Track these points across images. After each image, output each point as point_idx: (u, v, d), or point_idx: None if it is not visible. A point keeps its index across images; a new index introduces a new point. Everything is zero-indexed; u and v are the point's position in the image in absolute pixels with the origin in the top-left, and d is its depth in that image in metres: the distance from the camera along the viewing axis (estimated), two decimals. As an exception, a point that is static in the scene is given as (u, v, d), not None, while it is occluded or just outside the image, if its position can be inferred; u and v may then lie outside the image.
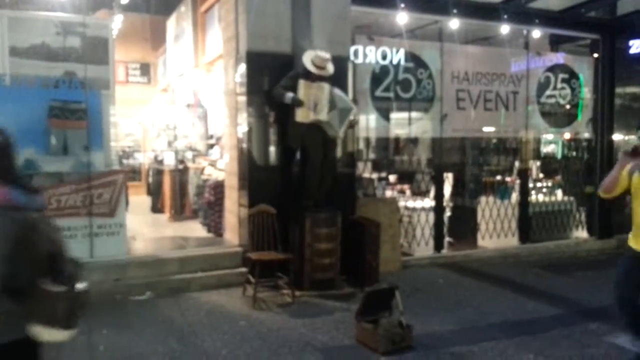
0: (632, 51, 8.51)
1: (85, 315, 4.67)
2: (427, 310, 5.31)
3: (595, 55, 8.72)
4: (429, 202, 7.61)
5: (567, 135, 8.96)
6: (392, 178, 8.18)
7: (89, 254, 5.62)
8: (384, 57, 7.17)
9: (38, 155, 5.50)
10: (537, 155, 9.11)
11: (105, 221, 5.73)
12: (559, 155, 9.73)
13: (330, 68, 5.88)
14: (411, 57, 7.34)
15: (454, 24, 7.42)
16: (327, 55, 5.83)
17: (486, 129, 8.12)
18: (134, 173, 12.51)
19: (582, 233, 8.76)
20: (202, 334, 4.56)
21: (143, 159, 12.68)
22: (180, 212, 8.70)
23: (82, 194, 5.63)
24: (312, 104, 5.74)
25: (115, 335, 4.51)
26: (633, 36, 8.47)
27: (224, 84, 6.92)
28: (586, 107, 8.75)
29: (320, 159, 5.94)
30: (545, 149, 9.88)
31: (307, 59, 5.79)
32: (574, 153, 9.31)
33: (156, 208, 9.53)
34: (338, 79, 6.07)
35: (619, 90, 9.00)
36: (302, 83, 5.75)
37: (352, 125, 6.17)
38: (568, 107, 8.66)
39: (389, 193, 7.84)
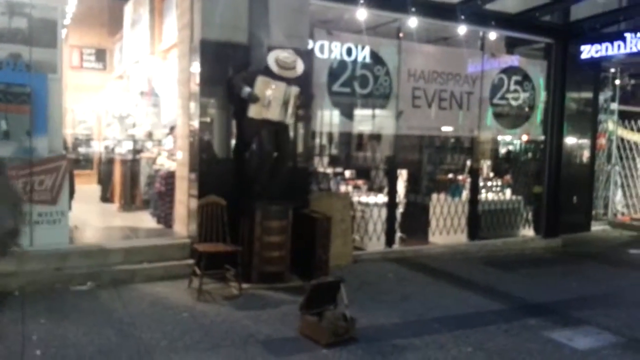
0: (582, 56, 8.77)
1: (21, 304, 4.57)
2: (374, 304, 5.36)
3: (548, 59, 8.95)
4: (382, 197, 7.67)
5: (524, 137, 9.20)
6: (347, 173, 8.20)
7: (28, 242, 5.41)
8: (343, 53, 7.18)
9: (-23, 139, 5.28)
10: (491, 155, 9.32)
11: (46, 209, 5.54)
12: (504, 156, 9.97)
13: (299, 69, 5.87)
14: (369, 53, 7.37)
15: (412, 22, 7.49)
16: (292, 57, 5.82)
17: (441, 127, 8.25)
18: (86, 161, 12.16)
19: (529, 231, 9.00)
20: (142, 326, 4.46)
21: (96, 147, 12.35)
22: (130, 202, 8.51)
23: (22, 180, 5.42)
24: (267, 101, 5.71)
25: (51, 325, 4.36)
26: (584, 42, 8.73)
27: (178, 73, 6.78)
28: (538, 110, 8.98)
29: (271, 152, 5.90)
30: (503, 150, 10.11)
31: (272, 58, 5.78)
32: (527, 154, 9.56)
33: (106, 197, 9.29)
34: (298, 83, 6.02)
35: (574, 95, 9.27)
36: (260, 79, 5.71)
37: (299, 107, 6.11)
38: (520, 109, 8.88)
39: (343, 188, 7.86)
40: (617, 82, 10.84)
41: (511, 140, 9.87)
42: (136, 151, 8.81)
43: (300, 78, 6.08)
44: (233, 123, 6.14)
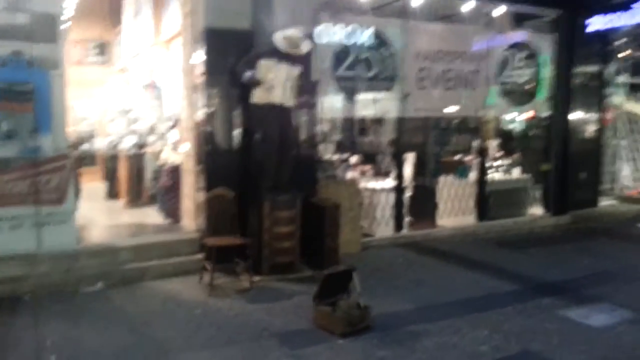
0: (590, 29, 8.57)
1: (33, 309, 4.57)
2: (387, 291, 5.34)
3: (556, 33, 8.76)
4: (389, 182, 7.61)
5: (521, 115, 9.06)
6: (353, 159, 8.13)
7: (36, 244, 5.37)
8: (347, 35, 7.04)
9: (-19, 139, 5.23)
10: (497, 133, 9.21)
11: (53, 209, 5.47)
12: (513, 134, 9.85)
13: (305, 47, 5.79)
14: (374, 35, 7.23)
15: (416, 0, 7.31)
16: (299, 34, 5.72)
17: (447, 108, 8.12)
18: (90, 158, 12.12)
19: (537, 209, 8.92)
20: (156, 325, 4.45)
21: (99, 143, 12.29)
22: (136, 198, 8.46)
23: (28, 180, 5.37)
24: (270, 84, 5.63)
25: (64, 329, 4.35)
26: (593, 13, 8.50)
27: (182, 63, 6.69)
28: (545, 86, 8.83)
29: (277, 141, 5.83)
30: (500, 128, 9.99)
31: (279, 36, 5.69)
32: (534, 131, 9.44)
33: (112, 194, 9.26)
34: (302, 59, 5.92)
35: (581, 69, 9.10)
36: (262, 63, 5.64)
37: (300, 86, 6.01)
38: (528, 85, 8.73)
39: (350, 175, 7.80)
40: (624, 54, 10.63)
41: (513, 119, 9.75)
42: (140, 146, 8.75)
43: (304, 62, 6.00)
44: (238, 112, 6.06)
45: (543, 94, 8.84)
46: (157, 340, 4.16)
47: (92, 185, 9.85)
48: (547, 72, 8.82)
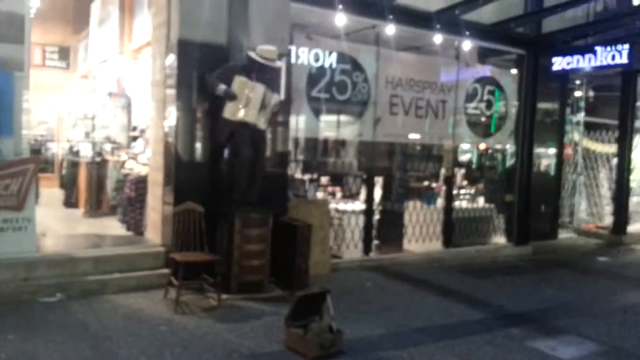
0: (554, 68, 8.96)
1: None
2: (356, 314, 5.26)
3: (520, 70, 9.10)
4: (359, 204, 7.60)
5: (484, 146, 9.32)
6: (323, 180, 8.10)
7: (-8, 250, 5.10)
8: (321, 58, 7.09)
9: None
10: (459, 163, 9.40)
11: (11, 215, 5.19)
12: (477, 164, 10.10)
13: (279, 62, 5.77)
14: (348, 59, 7.31)
15: (390, 29, 7.45)
16: (274, 48, 5.70)
17: (416, 135, 8.26)
18: (47, 164, 11.63)
19: (500, 239, 9.10)
20: (118, 340, 4.21)
21: (57, 149, 11.83)
22: (96, 207, 8.13)
23: (-14, 184, 5.09)
24: (244, 102, 5.55)
25: (20, 341, 4.07)
26: (556, 54, 8.92)
27: (151, 74, 6.53)
28: (509, 119, 9.12)
29: (249, 155, 5.71)
30: (464, 158, 10.24)
31: (253, 52, 5.66)
32: (492, 162, 9.70)
33: (69, 202, 8.87)
34: (273, 79, 5.91)
35: (543, 105, 9.44)
36: (237, 79, 5.55)
37: (275, 114, 5.98)
38: (491, 118, 8.99)
39: (320, 195, 7.75)
40: (581, 93, 11.15)
41: (470, 149, 10.01)
42: (100, 154, 8.45)
43: (277, 82, 5.99)
44: (208, 126, 5.92)
45: (507, 126, 9.10)
46: (120, 357, 3.93)
47: (49, 191, 9.45)
48: (511, 106, 9.11)
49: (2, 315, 4.50)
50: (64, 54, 12.67)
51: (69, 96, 11.20)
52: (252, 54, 5.66)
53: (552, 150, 9.77)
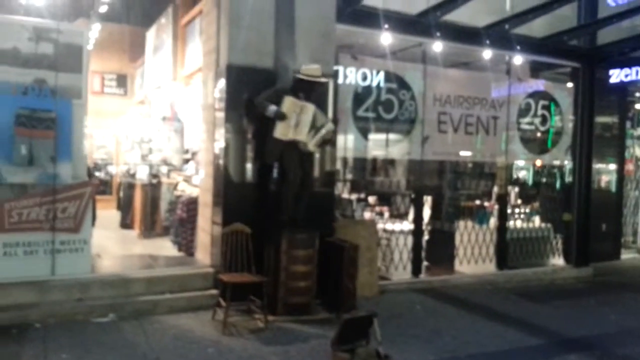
0: (612, 80, 8.59)
1: (43, 337, 4.42)
2: (405, 338, 5.13)
3: (575, 83, 8.78)
4: (407, 225, 7.47)
5: (539, 162, 8.99)
6: (371, 199, 8.03)
7: (50, 271, 5.31)
8: (367, 77, 7.09)
9: (1, 164, 5.20)
10: (517, 181, 9.11)
11: (69, 237, 5.41)
12: (532, 182, 9.76)
13: (324, 79, 5.83)
14: (394, 78, 7.27)
15: (437, 46, 7.38)
16: (317, 66, 5.77)
17: (466, 152, 8.08)
18: (105, 186, 12.12)
19: (558, 260, 8.71)
20: (167, 361, 4.28)
21: (115, 172, 12.32)
22: (150, 228, 8.37)
23: (45, 207, 5.33)
24: (294, 121, 5.59)
25: (73, 361, 4.20)
26: (613, 66, 8.56)
27: (202, 98, 6.72)
28: (565, 135, 8.79)
29: (297, 176, 5.75)
30: (518, 175, 9.92)
31: (298, 74, 5.74)
32: (548, 179, 9.34)
33: (125, 224, 9.18)
34: (320, 97, 5.94)
35: (601, 119, 9.09)
36: (287, 99, 5.61)
37: (326, 141, 5.99)
38: (546, 134, 8.69)
39: (367, 215, 7.68)
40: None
41: (525, 165, 9.68)
42: (155, 176, 8.73)
43: (325, 98, 6.05)
44: (256, 148, 6.00)
45: (563, 142, 8.77)
46: (168, 380, 3.99)
47: (106, 213, 9.80)
48: (567, 121, 8.78)
49: (57, 335, 4.66)
50: (122, 81, 13.25)
51: (126, 121, 11.68)
52: (298, 75, 5.74)
53: (612, 166, 9.32)
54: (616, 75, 8.54)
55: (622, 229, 9.81)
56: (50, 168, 5.40)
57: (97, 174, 12.44)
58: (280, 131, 5.61)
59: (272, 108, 5.58)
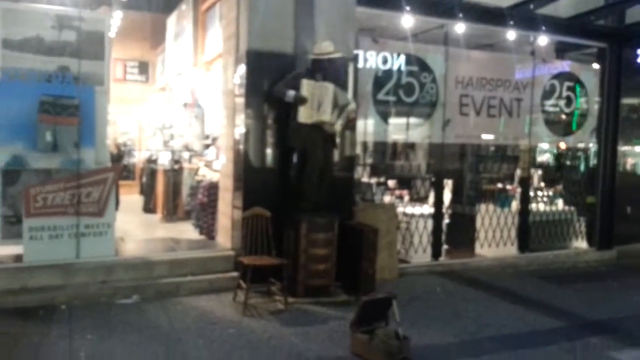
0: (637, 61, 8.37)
1: (68, 319, 4.55)
2: (425, 321, 5.14)
3: (602, 64, 8.57)
4: (427, 208, 7.44)
5: (564, 145, 8.84)
6: (390, 183, 8.01)
7: (75, 254, 5.43)
8: (387, 61, 7.02)
9: (26, 150, 5.34)
10: (541, 163, 8.97)
11: (93, 221, 5.53)
12: (556, 165, 9.59)
13: (338, 52, 5.78)
14: (415, 60, 7.18)
15: (459, 28, 7.26)
16: (328, 42, 5.74)
17: (488, 135, 7.97)
18: (128, 172, 12.32)
19: (581, 243, 8.59)
20: (189, 342, 4.36)
21: (138, 158, 12.50)
22: (172, 213, 8.51)
23: (70, 192, 5.44)
24: (316, 103, 5.59)
25: (98, 341, 4.31)
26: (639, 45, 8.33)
27: (222, 84, 6.75)
28: (590, 116, 8.60)
29: (321, 161, 5.77)
30: (542, 158, 9.76)
31: (311, 55, 5.74)
32: (572, 162, 9.17)
33: (148, 208, 9.34)
34: (339, 78, 5.92)
35: (628, 100, 8.87)
36: (305, 82, 5.61)
37: (350, 120, 5.97)
38: (571, 115, 8.52)
39: (387, 198, 7.67)
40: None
41: (549, 148, 9.51)
42: (177, 161, 8.83)
43: (341, 74, 6.01)
44: (276, 133, 6.03)
45: (588, 124, 8.59)
46: (190, 358, 4.07)
47: (129, 197, 9.97)
48: (593, 102, 8.59)
49: (82, 316, 4.79)
50: (144, 68, 13.37)
51: (148, 108, 11.81)
52: (311, 57, 5.74)
53: (638, 148, 9.11)
54: (644, 55, 8.31)
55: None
56: (74, 154, 5.51)
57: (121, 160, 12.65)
58: (304, 115, 5.61)
59: (291, 93, 5.59)
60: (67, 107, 5.52)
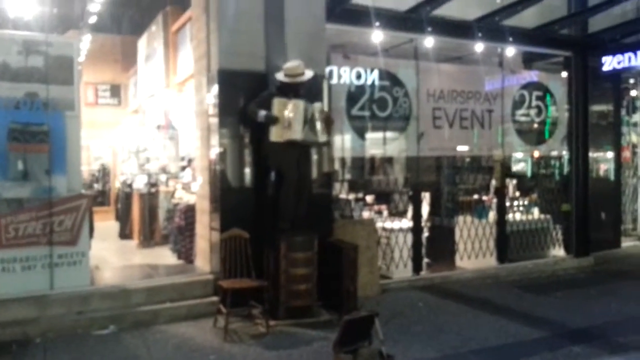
0: (605, 68, 8.58)
1: (43, 353, 4.39)
2: (408, 337, 5.11)
3: (568, 72, 8.76)
4: (406, 222, 7.46)
5: (537, 154, 8.97)
6: (369, 199, 8.01)
7: (49, 285, 5.29)
8: (360, 76, 7.07)
9: (-4, 180, 5.20)
10: (511, 173, 9.08)
11: (66, 250, 5.40)
12: (530, 174, 9.74)
13: (308, 73, 5.75)
14: (387, 75, 7.25)
15: (429, 42, 7.36)
16: (296, 62, 5.71)
17: (462, 147, 8.06)
18: (103, 198, 12.12)
19: (559, 251, 8.69)
20: (169, 371, 4.27)
21: (112, 183, 12.32)
22: (149, 237, 8.36)
23: (42, 221, 5.31)
24: (287, 122, 5.56)
25: (74, 375, 4.18)
26: (605, 53, 8.54)
27: (195, 104, 6.70)
28: (560, 125, 8.77)
29: (295, 180, 5.73)
30: (516, 167, 9.90)
31: (279, 74, 5.70)
32: (546, 170, 9.32)
33: (124, 234, 9.17)
34: (314, 98, 5.92)
35: (596, 108, 9.08)
36: (276, 101, 5.59)
37: (329, 122, 5.92)
38: (542, 124, 8.67)
39: (366, 214, 7.67)
40: (637, 93, 10.61)
41: (523, 157, 9.67)
42: (153, 185, 8.71)
43: (315, 91, 5.98)
44: (252, 152, 5.99)
45: (558, 132, 8.75)
46: (171, 390, 3.97)
47: (105, 224, 9.79)
48: (562, 111, 8.76)
49: (58, 350, 4.64)
50: (115, 91, 13.25)
51: (121, 131, 11.66)
52: (279, 75, 5.70)
53: (609, 154, 9.31)
54: (609, 63, 8.53)
55: (621, 216, 9.80)
56: (46, 182, 5.39)
57: (95, 185, 12.45)
58: (275, 134, 5.58)
59: (262, 113, 5.56)
60: (36, 134, 5.43)
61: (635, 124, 10.60)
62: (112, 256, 7.52)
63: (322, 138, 5.74)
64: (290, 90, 5.69)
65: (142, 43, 10.87)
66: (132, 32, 11.37)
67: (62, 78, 5.68)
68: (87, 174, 11.98)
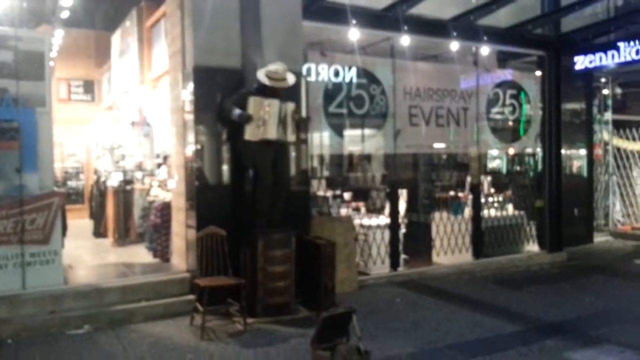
0: (577, 67, 8.76)
1: (15, 354, 4.30)
2: (386, 332, 5.14)
3: (542, 71, 8.91)
4: (384, 219, 7.50)
5: (511, 151, 9.12)
6: (346, 196, 8.03)
7: (20, 285, 5.19)
8: (338, 74, 7.08)
9: (-36, 179, 5.07)
10: (489, 170, 9.20)
11: (38, 249, 5.30)
12: (504, 170, 9.88)
13: (290, 79, 5.73)
14: (364, 73, 7.28)
15: (405, 40, 7.41)
16: (282, 66, 5.67)
17: (438, 144, 8.14)
18: (76, 195, 11.89)
19: (533, 247, 8.85)
20: (145, 370, 4.21)
21: (86, 180, 12.10)
22: (124, 236, 8.23)
23: (13, 219, 5.20)
24: (261, 121, 5.54)
25: (47, 376, 4.10)
26: (577, 52, 8.72)
27: (171, 101, 6.62)
28: (534, 122, 8.91)
29: (271, 178, 5.71)
30: (491, 165, 10.04)
31: (261, 73, 5.66)
32: (521, 167, 9.47)
33: (98, 232, 9.02)
34: (290, 95, 5.90)
35: (569, 106, 9.22)
36: (251, 100, 5.55)
37: (301, 122, 5.92)
38: (516, 122, 8.80)
39: (344, 211, 7.68)
40: (608, 91, 10.86)
41: (499, 154, 9.81)
42: (127, 182, 8.58)
43: (293, 97, 5.95)
44: (229, 149, 5.95)
45: (532, 130, 8.90)
46: (147, 389, 3.92)
47: (79, 222, 9.62)
48: (536, 109, 8.91)
49: (30, 350, 4.54)
50: (89, 87, 12.99)
51: (95, 128, 11.46)
52: (261, 76, 5.66)
53: (582, 152, 9.50)
54: (581, 62, 8.71)
55: (594, 212, 10.02)
56: (16, 179, 5.30)
57: (69, 182, 12.22)
58: (250, 132, 5.56)
59: (237, 112, 5.53)
60: (6, 130, 5.34)
61: (606, 122, 10.86)
62: (86, 255, 7.39)
63: (290, 138, 5.76)
64: (270, 92, 5.65)
65: (116, 38, 10.68)
66: (106, 27, 11.18)
67: (33, 73, 5.58)
68: (60, 172, 11.74)
